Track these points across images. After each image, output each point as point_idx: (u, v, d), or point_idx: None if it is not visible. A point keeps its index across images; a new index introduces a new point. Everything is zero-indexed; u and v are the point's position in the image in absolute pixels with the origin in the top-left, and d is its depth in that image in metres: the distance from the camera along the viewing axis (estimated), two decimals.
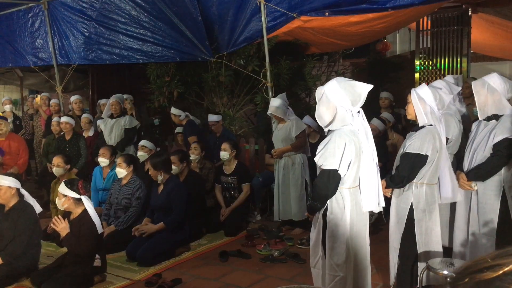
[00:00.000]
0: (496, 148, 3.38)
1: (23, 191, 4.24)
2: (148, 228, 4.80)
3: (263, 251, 4.75)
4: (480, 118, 3.57)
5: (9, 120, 8.04)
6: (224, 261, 4.60)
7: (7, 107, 8.23)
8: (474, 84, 3.56)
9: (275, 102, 5.29)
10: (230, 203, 5.64)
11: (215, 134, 6.50)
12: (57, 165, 5.39)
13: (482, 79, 3.53)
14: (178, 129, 6.61)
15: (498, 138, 3.38)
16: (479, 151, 3.51)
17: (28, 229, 4.07)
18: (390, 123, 5.90)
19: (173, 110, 6.37)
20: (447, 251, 3.67)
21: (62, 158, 5.46)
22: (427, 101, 3.24)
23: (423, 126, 3.27)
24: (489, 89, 3.45)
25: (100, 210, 5.24)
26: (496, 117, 3.46)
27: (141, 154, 5.81)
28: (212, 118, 6.43)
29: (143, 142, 5.92)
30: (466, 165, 3.62)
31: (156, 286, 4.02)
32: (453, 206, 3.79)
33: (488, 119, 3.51)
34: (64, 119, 6.59)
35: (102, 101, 7.70)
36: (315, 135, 5.88)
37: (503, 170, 3.44)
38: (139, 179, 5.24)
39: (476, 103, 3.55)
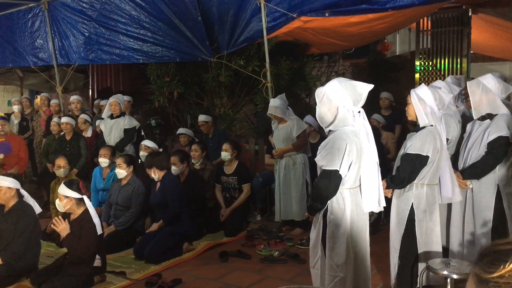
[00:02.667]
0: (491, 146, 3.45)
1: (23, 192, 4.24)
2: (151, 230, 4.91)
3: (263, 251, 4.75)
4: (474, 117, 3.64)
5: (16, 121, 8.03)
6: (224, 261, 4.60)
7: (15, 108, 8.24)
8: (469, 84, 3.65)
9: (274, 103, 5.30)
10: (230, 203, 5.64)
11: (208, 135, 6.51)
12: (63, 167, 5.43)
13: (477, 80, 3.62)
14: (180, 130, 6.62)
15: (492, 137, 3.44)
16: (473, 150, 3.58)
17: (28, 230, 4.07)
18: (380, 124, 6.00)
19: (148, 143, 5.93)
20: (444, 251, 3.68)
21: (65, 159, 5.50)
22: (427, 102, 3.24)
23: (423, 127, 3.27)
24: (484, 89, 3.53)
25: (100, 211, 5.24)
26: (490, 116, 3.54)
27: (143, 155, 5.79)
28: (201, 118, 6.48)
29: (146, 142, 5.87)
30: (461, 164, 3.68)
31: (156, 286, 4.02)
32: (449, 205, 3.81)
33: (483, 118, 3.58)
34: (64, 119, 6.59)
35: (101, 102, 7.71)
36: (316, 135, 5.88)
37: (497, 168, 3.49)
38: (138, 180, 5.25)
39: (471, 103, 3.62)
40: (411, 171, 3.22)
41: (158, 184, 4.99)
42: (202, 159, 5.85)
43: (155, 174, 4.95)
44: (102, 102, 7.61)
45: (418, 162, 3.20)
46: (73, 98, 7.54)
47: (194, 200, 5.39)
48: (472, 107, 3.62)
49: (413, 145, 3.22)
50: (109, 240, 4.67)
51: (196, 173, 5.73)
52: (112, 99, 6.38)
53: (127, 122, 6.34)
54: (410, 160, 3.21)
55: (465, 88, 4.71)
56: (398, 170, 3.31)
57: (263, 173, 6.40)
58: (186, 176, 5.50)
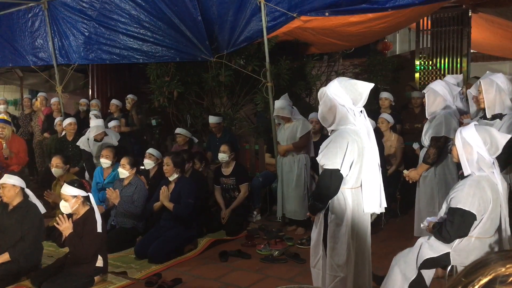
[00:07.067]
0: (504, 146, 3.43)
1: (28, 191, 4.23)
2: (163, 198, 4.85)
3: (263, 251, 4.75)
4: (488, 116, 3.61)
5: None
6: (224, 261, 4.60)
7: (1, 107, 8.24)
8: (483, 82, 3.60)
9: (280, 104, 5.28)
10: (230, 203, 5.67)
11: (216, 135, 6.49)
12: (55, 166, 5.40)
13: (490, 78, 3.59)
14: (176, 130, 6.61)
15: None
16: None
17: (34, 228, 4.06)
18: (389, 124, 5.90)
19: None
20: None
21: (60, 158, 5.46)
22: (475, 147, 2.77)
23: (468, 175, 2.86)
24: (497, 88, 3.52)
25: (102, 209, 5.23)
26: (500, 116, 3.54)
27: (148, 162, 5.73)
28: (213, 120, 6.40)
29: (150, 151, 5.82)
30: None
31: (156, 286, 4.02)
32: None
33: (493, 118, 3.57)
34: (68, 120, 6.62)
35: (93, 101, 8.05)
36: (316, 133, 5.86)
37: (508, 168, 3.49)
38: (140, 180, 5.25)
39: (485, 101, 3.58)
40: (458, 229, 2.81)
41: (172, 185, 4.98)
42: (178, 174, 5.06)
43: (177, 174, 4.95)
44: (93, 102, 8.00)
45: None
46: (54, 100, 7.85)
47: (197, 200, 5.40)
48: (486, 105, 3.58)
49: (456, 196, 2.83)
50: (109, 240, 4.67)
51: (199, 172, 5.73)
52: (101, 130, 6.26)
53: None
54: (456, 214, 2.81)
55: (465, 87, 4.72)
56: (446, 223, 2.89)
57: (263, 173, 6.40)
58: (189, 175, 5.50)
